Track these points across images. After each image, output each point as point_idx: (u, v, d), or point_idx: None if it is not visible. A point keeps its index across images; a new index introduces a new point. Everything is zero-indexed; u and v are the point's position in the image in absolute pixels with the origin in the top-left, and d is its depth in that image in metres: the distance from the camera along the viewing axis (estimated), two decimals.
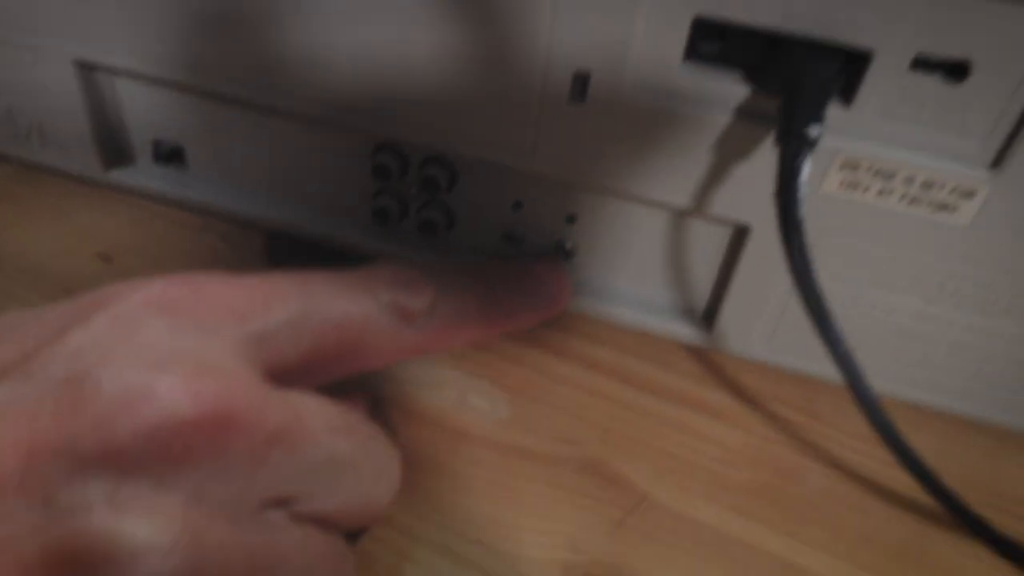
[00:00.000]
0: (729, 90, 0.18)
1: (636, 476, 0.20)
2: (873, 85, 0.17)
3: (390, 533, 0.18)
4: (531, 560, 0.18)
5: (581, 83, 0.18)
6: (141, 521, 0.11)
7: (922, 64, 0.16)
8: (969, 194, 0.17)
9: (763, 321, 0.21)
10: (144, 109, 0.24)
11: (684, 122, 0.18)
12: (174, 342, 0.13)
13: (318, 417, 0.14)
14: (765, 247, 0.20)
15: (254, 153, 0.24)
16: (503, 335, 0.21)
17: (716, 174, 0.19)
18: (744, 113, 0.18)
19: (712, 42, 0.18)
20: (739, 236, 0.20)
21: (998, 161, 0.17)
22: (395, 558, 0.18)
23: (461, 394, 0.22)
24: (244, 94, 0.22)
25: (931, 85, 0.16)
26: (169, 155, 0.25)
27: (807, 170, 0.16)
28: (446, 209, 0.23)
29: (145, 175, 0.25)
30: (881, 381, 0.20)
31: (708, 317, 0.22)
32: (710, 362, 0.23)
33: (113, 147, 0.25)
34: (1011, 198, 0.17)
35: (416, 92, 0.20)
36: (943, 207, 0.18)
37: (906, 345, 0.20)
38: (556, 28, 0.18)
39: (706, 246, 0.21)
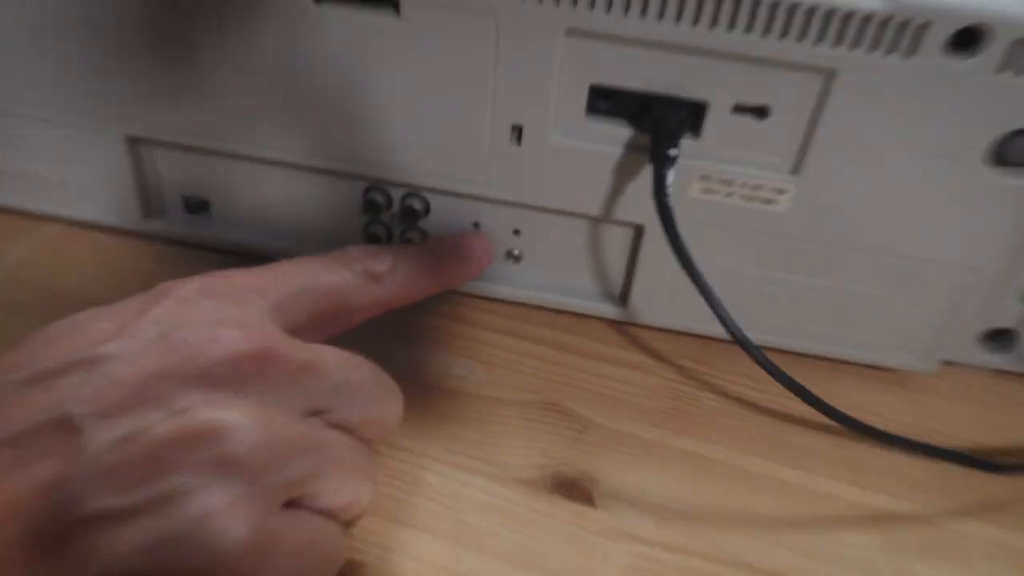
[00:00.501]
0: (618, 132, 0.26)
1: (582, 409, 0.28)
2: (711, 124, 0.25)
3: (407, 455, 0.25)
4: (518, 466, 0.25)
5: (518, 132, 0.26)
6: (229, 412, 0.18)
7: (740, 109, 0.25)
8: (781, 191, 0.26)
9: (663, 294, 0.29)
10: (176, 170, 0.31)
11: (590, 156, 0.26)
12: (222, 312, 0.20)
13: (332, 356, 0.21)
14: (656, 239, 0.28)
15: (267, 198, 0.31)
16: (472, 322, 0.29)
17: (617, 189, 0.27)
18: (630, 146, 0.26)
19: (604, 101, 0.26)
20: (638, 233, 0.28)
21: (796, 169, 0.26)
22: (416, 469, 0.25)
23: (447, 367, 0.29)
24: (262, 153, 0.29)
25: (747, 122, 0.25)
26: (197, 206, 0.32)
27: (672, 177, 0.24)
28: (422, 231, 0.30)
29: (176, 223, 0.32)
30: (753, 332, 0.29)
31: (623, 297, 0.30)
32: (627, 331, 0.31)
33: (149, 202, 0.32)
34: (807, 192, 0.26)
35: (400, 144, 0.27)
36: (768, 201, 0.26)
37: (762, 302, 0.29)
38: (498, 97, 0.25)
39: (616, 243, 0.29)
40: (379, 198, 0.29)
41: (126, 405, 0.17)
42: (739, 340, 0.25)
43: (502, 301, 0.31)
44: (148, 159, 0.31)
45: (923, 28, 0.22)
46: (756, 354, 0.25)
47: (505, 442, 0.26)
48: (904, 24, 0.22)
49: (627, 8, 0.23)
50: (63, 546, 0.16)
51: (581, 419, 0.27)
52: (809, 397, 0.25)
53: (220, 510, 0.17)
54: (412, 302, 0.27)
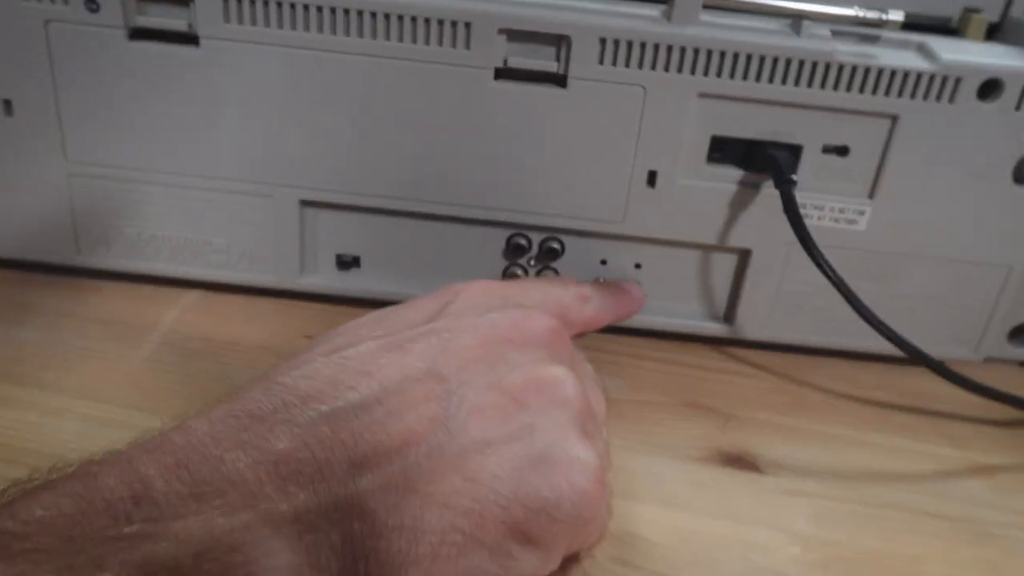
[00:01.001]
0: (732, 173, 0.32)
1: (718, 405, 0.32)
2: (805, 162, 0.32)
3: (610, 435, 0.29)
4: (687, 447, 0.30)
5: (652, 176, 0.32)
6: (556, 367, 0.23)
7: (827, 149, 0.32)
8: (861, 212, 0.33)
9: (764, 311, 0.35)
10: (334, 229, 0.35)
11: (710, 193, 0.33)
12: (510, 303, 0.25)
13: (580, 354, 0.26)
14: (762, 260, 0.34)
15: (416, 250, 0.35)
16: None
17: (730, 220, 0.33)
18: (741, 183, 0.33)
19: (719, 150, 0.32)
20: (743, 257, 0.34)
21: (872, 194, 0.33)
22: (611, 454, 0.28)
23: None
24: (424, 208, 0.33)
25: (833, 160, 0.32)
26: (348, 263, 0.35)
27: (798, 197, 0.31)
28: (555, 271, 0.35)
29: (328, 279, 0.36)
30: (839, 336, 0.35)
31: (728, 317, 0.36)
32: (729, 351, 0.37)
33: (305, 261, 0.35)
34: (881, 212, 0.33)
35: (552, 193, 0.33)
36: (851, 221, 0.33)
37: (847, 308, 0.35)
38: (639, 148, 0.32)
39: (724, 269, 0.35)
40: (523, 242, 0.34)
41: (476, 361, 0.21)
42: (877, 326, 0.30)
43: (621, 329, 0.36)
44: (312, 221, 0.35)
45: (959, 81, 0.30)
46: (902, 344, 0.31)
47: (667, 432, 0.30)
48: (945, 79, 0.30)
49: (745, 75, 0.30)
50: (460, 466, 0.19)
51: (721, 413, 0.32)
52: (957, 377, 0.31)
53: (575, 438, 0.21)
54: (597, 328, 0.32)
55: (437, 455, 0.19)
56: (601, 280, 0.35)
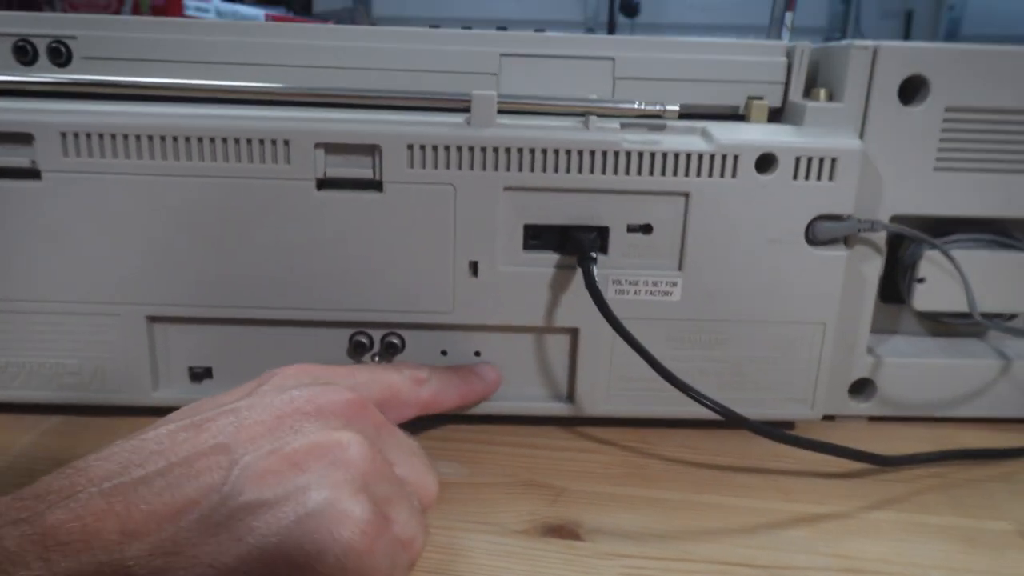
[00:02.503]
0: (548, 258, 0.35)
1: (555, 482, 0.33)
2: (614, 242, 0.35)
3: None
4: (512, 522, 0.30)
5: (474, 266, 0.35)
6: (344, 433, 0.24)
7: (631, 229, 0.35)
8: (674, 283, 0.35)
9: (601, 386, 0.36)
10: (184, 342, 0.36)
11: (530, 278, 0.35)
12: (319, 382, 0.26)
13: (397, 429, 0.27)
14: (590, 337, 0.36)
15: (265, 356, 0.37)
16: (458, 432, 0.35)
17: (553, 302, 0.35)
18: (558, 267, 0.35)
19: (535, 238, 0.35)
20: (574, 337, 0.36)
21: (680, 266, 0.35)
22: (435, 535, 0.29)
23: (436, 468, 0.34)
24: (266, 315, 0.35)
25: (639, 238, 0.35)
26: (201, 374, 0.37)
27: (596, 272, 0.33)
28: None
29: (181, 392, 0.37)
30: (675, 406, 0.36)
31: (570, 396, 0.37)
32: (576, 429, 0.37)
33: (157, 376, 0.37)
34: (691, 281, 0.35)
35: (382, 291, 0.35)
36: (665, 293, 0.35)
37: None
38: (458, 241, 0.34)
39: (558, 350, 0.37)
40: (364, 339, 0.36)
41: (265, 433, 0.23)
42: (678, 384, 0.32)
43: (470, 417, 0.37)
44: (162, 336, 0.36)
45: (737, 158, 0.33)
46: (694, 394, 0.32)
47: (497, 509, 0.31)
48: (724, 157, 0.33)
49: (544, 167, 0.33)
50: (229, 526, 0.20)
51: (555, 488, 0.33)
52: (749, 424, 0.32)
53: (347, 494, 0.22)
54: (442, 410, 0.33)
55: (208, 519, 0.21)
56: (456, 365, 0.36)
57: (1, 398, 0.36)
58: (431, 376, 0.33)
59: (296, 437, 0.23)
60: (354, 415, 0.25)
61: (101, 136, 0.33)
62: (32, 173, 0.33)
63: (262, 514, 0.21)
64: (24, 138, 0.33)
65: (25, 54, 0.35)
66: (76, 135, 0.33)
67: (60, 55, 0.35)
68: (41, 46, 0.35)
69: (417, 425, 0.36)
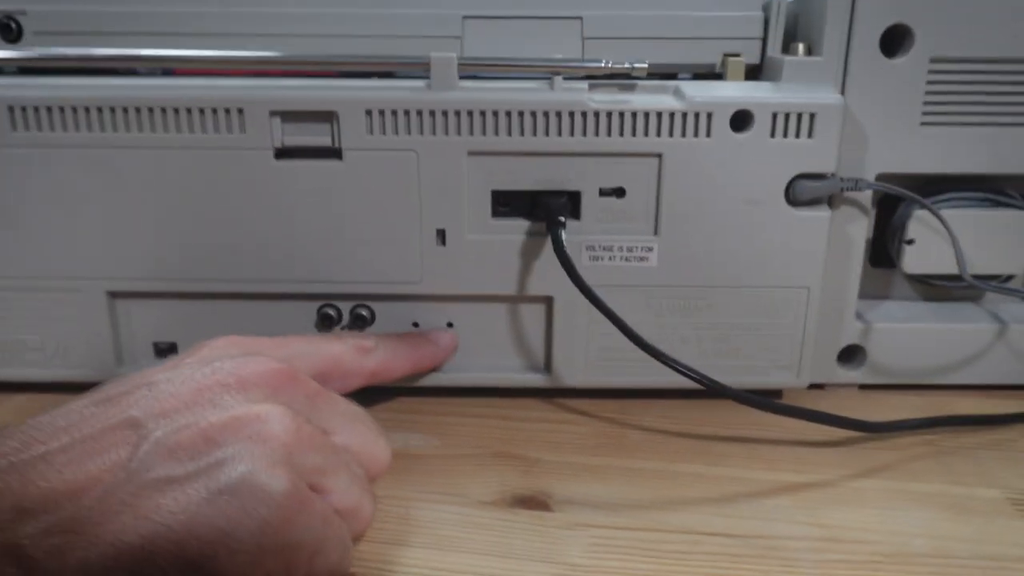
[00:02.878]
0: (518, 225, 0.34)
1: (528, 453, 0.32)
2: (586, 207, 0.33)
3: (388, 499, 0.28)
4: (480, 493, 0.29)
5: (441, 235, 0.34)
6: (266, 405, 0.23)
7: (604, 193, 0.33)
8: (650, 248, 0.34)
9: (579, 356, 0.35)
10: (147, 318, 0.35)
11: (499, 246, 0.34)
12: (247, 353, 0.25)
13: (338, 394, 0.26)
14: (564, 306, 0.34)
15: (230, 331, 0.35)
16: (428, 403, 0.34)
17: (525, 269, 0.34)
18: (529, 234, 0.34)
19: (504, 204, 0.34)
20: (549, 305, 0.35)
21: (656, 230, 0.34)
22: (397, 507, 0.28)
23: (405, 441, 0.33)
24: (231, 288, 0.34)
25: (612, 202, 0.33)
26: (166, 350, 0.36)
27: (568, 238, 0.32)
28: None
29: (147, 367, 0.36)
30: (657, 376, 0.35)
31: (547, 366, 0.36)
32: (555, 401, 0.36)
33: (121, 353, 0.36)
34: (668, 246, 0.34)
35: (348, 262, 0.34)
36: (642, 259, 0.34)
37: (661, 347, 0.35)
38: (424, 209, 0.33)
39: (534, 319, 0.36)
40: (332, 312, 0.35)
41: (181, 408, 0.22)
42: (652, 351, 0.31)
43: (443, 389, 0.36)
44: (124, 311, 0.35)
45: (710, 116, 0.32)
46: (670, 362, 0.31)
47: (466, 480, 0.30)
48: (697, 115, 0.32)
49: (509, 130, 0.32)
50: (134, 505, 0.19)
51: (529, 459, 0.31)
52: (722, 388, 0.31)
53: (264, 468, 0.21)
54: (393, 378, 0.32)
55: (111, 497, 0.20)
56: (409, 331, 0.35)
57: None
58: (378, 344, 0.32)
59: (214, 411, 0.22)
60: (281, 385, 0.24)
61: (49, 109, 0.32)
62: None
63: (170, 491, 0.20)
64: None
65: None
66: (24, 109, 0.32)
67: (10, 31, 0.34)
68: None
69: (386, 397, 0.36)
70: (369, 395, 0.32)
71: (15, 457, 0.20)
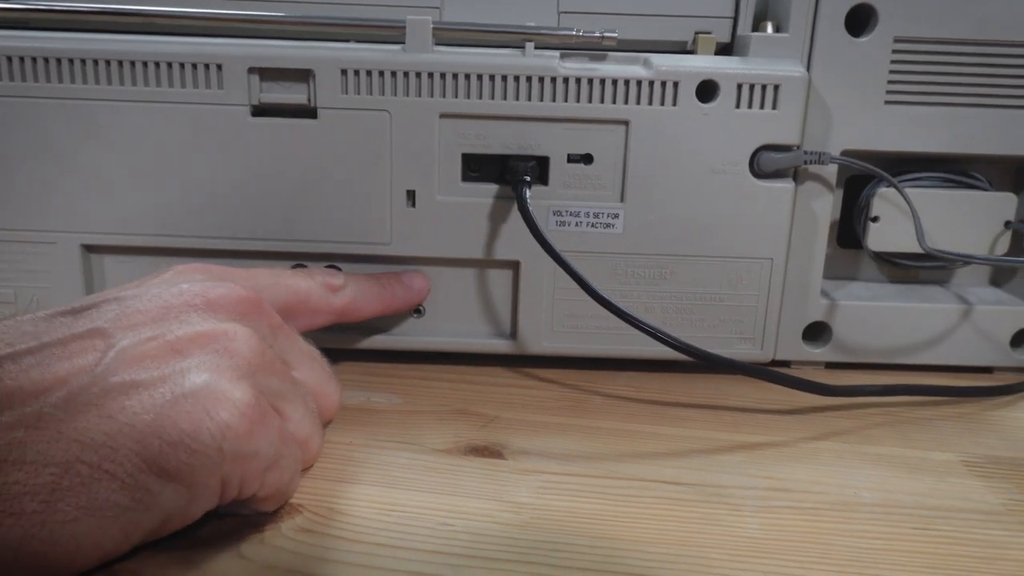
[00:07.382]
0: (488, 188, 0.34)
1: (488, 411, 0.32)
2: (554, 172, 0.34)
3: (340, 445, 0.28)
4: (435, 442, 0.29)
5: (411, 196, 0.34)
6: (233, 325, 0.23)
7: (572, 159, 0.34)
8: (616, 215, 0.34)
9: (544, 322, 0.36)
10: (122, 275, 0.36)
11: (468, 208, 0.34)
12: (215, 279, 0.26)
13: (297, 331, 0.26)
14: (530, 271, 0.35)
15: None
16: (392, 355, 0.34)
17: (493, 233, 0.35)
18: (498, 198, 0.34)
19: (474, 169, 0.34)
20: (515, 271, 0.35)
21: (622, 197, 0.34)
22: (349, 451, 0.28)
23: (368, 398, 0.33)
24: (194, 244, 0.35)
25: (579, 168, 0.34)
26: None
27: (534, 202, 0.32)
28: None
29: None
30: (622, 344, 0.35)
31: (513, 333, 0.36)
32: (521, 369, 0.37)
33: None
34: (633, 213, 0.34)
35: (320, 221, 0.34)
36: (608, 225, 0.34)
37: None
38: (395, 169, 0.34)
39: (501, 285, 0.36)
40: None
41: (148, 322, 0.22)
42: (614, 309, 0.31)
43: (411, 352, 0.36)
44: (98, 266, 0.36)
45: (676, 85, 0.33)
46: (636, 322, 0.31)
47: (422, 431, 0.30)
48: (664, 84, 0.33)
49: (481, 93, 0.33)
50: (99, 404, 0.20)
51: (487, 416, 0.32)
52: (689, 348, 0.31)
53: (227, 378, 0.21)
54: (362, 318, 0.33)
55: (77, 397, 0.20)
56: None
57: None
58: (347, 283, 0.32)
59: (180, 327, 0.22)
60: (246, 312, 0.24)
61: (34, 60, 0.33)
62: None
63: (135, 394, 0.20)
64: None
65: None
66: (10, 59, 0.33)
67: None
68: None
69: (353, 358, 0.36)
70: (336, 355, 0.33)
71: None
